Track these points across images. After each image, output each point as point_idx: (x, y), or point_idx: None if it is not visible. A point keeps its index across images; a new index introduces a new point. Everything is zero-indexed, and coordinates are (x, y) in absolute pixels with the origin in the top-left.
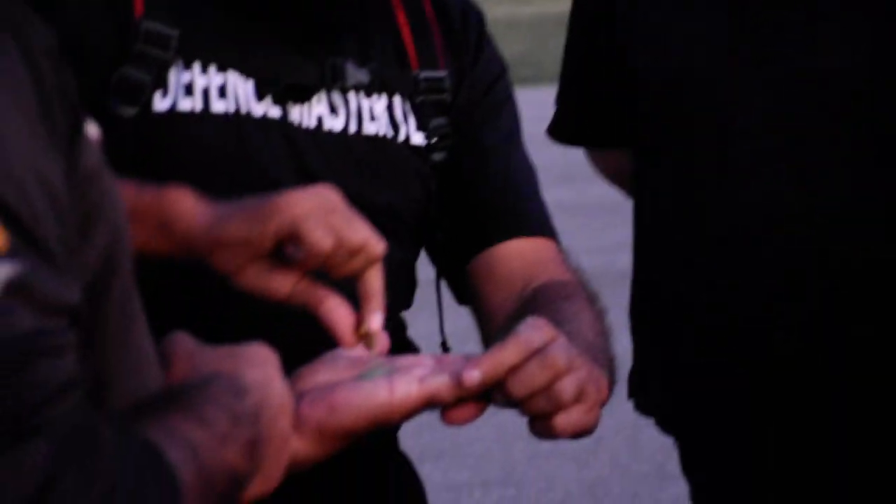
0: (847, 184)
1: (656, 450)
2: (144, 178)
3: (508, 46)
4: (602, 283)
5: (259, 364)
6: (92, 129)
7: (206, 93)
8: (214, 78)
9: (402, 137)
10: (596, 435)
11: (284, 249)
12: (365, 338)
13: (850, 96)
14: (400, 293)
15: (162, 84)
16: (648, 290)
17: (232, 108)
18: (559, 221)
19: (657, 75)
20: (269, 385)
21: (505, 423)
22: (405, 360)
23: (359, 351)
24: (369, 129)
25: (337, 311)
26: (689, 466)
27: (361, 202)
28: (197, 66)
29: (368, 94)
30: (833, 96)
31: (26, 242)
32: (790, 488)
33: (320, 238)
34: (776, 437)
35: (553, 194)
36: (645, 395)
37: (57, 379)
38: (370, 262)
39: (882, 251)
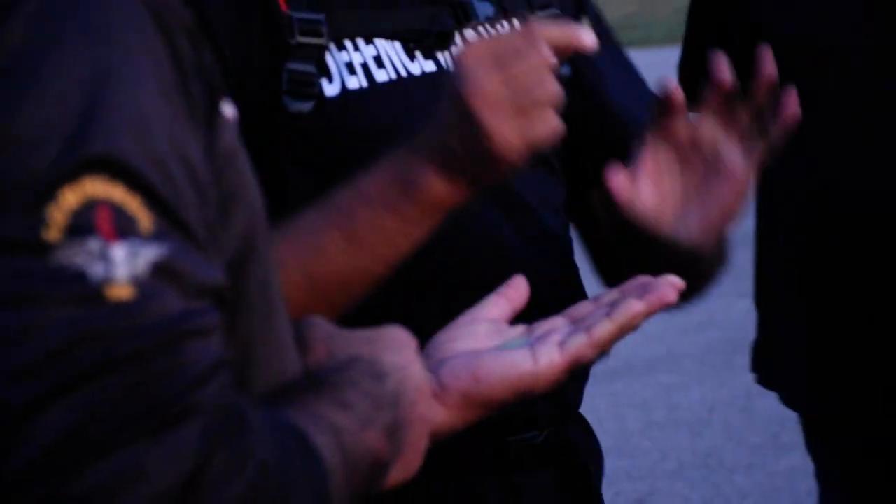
0: None
1: (771, 419)
2: (333, 166)
3: (616, 9)
4: None
5: (397, 348)
6: (228, 109)
7: (365, 67)
8: (366, 50)
9: None
10: (709, 404)
11: None
12: None
13: None
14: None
15: (324, 71)
16: (780, 262)
17: (395, 75)
18: None
19: (784, 30)
20: (407, 369)
21: (617, 392)
22: (540, 326)
23: (495, 312)
24: None
25: None
26: (818, 447)
27: None
28: (349, 44)
29: (494, 27)
30: None
31: (171, 224)
32: None
33: None
34: None
35: None
36: (772, 371)
37: (205, 361)
38: None
39: None
